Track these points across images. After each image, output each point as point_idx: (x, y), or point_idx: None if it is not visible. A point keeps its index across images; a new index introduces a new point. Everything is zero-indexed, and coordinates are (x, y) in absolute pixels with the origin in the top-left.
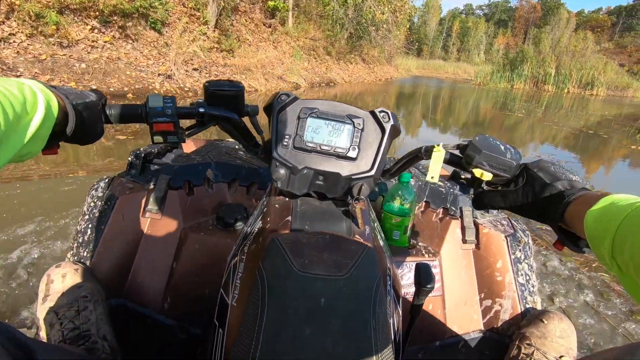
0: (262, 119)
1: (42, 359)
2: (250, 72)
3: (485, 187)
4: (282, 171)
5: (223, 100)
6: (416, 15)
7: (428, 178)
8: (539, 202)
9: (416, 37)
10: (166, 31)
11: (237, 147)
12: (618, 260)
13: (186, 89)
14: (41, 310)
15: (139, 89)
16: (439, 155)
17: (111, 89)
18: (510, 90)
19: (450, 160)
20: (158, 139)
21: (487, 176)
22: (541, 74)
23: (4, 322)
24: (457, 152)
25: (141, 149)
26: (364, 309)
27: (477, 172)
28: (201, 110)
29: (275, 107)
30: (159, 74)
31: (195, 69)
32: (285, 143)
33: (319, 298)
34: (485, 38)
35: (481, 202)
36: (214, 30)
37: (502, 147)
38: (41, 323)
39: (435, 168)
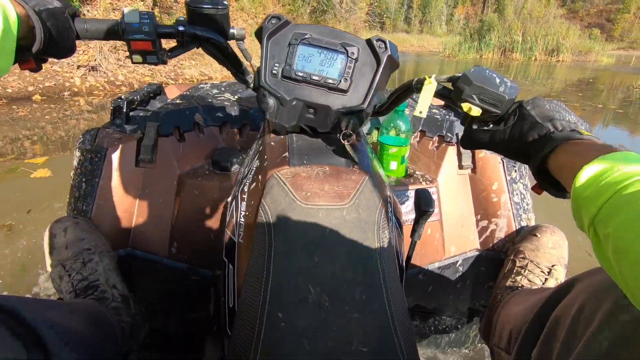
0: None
1: (26, 313)
2: (200, 57)
3: (474, 126)
4: (271, 101)
5: (205, 20)
6: None
7: (416, 113)
8: (523, 143)
9: (378, 11)
10: (88, 10)
11: (223, 88)
12: (599, 229)
13: (118, 82)
14: (49, 264)
15: (49, 88)
16: (429, 87)
17: (8, 90)
18: (479, 61)
19: (440, 93)
20: (137, 58)
21: (476, 111)
22: (508, 42)
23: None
24: (449, 84)
25: (122, 96)
26: (369, 235)
27: (466, 106)
28: (181, 29)
29: (265, 30)
30: (79, 66)
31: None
32: (274, 72)
33: (324, 227)
34: (445, 9)
35: (468, 141)
36: (153, 8)
37: (497, 80)
38: (53, 276)
39: (425, 102)
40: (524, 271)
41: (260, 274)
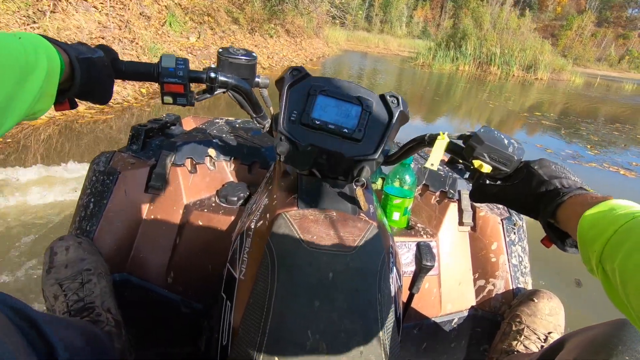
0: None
1: (48, 330)
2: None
3: (482, 181)
4: (287, 145)
5: (236, 69)
6: None
7: (427, 165)
8: (533, 197)
9: (339, 5)
10: None
11: (237, 125)
12: (606, 266)
13: None
14: (45, 282)
15: None
16: (442, 143)
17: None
18: (456, 73)
19: (451, 149)
20: (168, 99)
21: (487, 168)
22: (484, 53)
23: (8, 294)
24: (459, 142)
25: (141, 124)
26: (371, 285)
27: (477, 163)
28: (212, 75)
29: (287, 81)
30: None
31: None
32: (292, 118)
33: (327, 272)
34: (406, 10)
35: (478, 195)
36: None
37: (506, 141)
38: (47, 294)
39: (437, 155)
40: (520, 336)
41: (260, 313)
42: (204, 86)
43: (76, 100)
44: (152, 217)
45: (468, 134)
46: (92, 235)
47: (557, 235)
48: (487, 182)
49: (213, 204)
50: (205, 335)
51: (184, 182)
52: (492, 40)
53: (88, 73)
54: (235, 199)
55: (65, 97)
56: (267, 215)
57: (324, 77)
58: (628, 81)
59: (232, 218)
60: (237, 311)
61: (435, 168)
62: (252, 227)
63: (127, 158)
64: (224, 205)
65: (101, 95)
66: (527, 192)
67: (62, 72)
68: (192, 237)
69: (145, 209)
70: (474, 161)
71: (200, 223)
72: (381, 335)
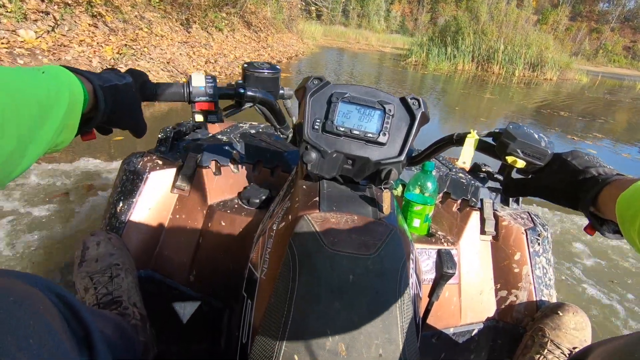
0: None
1: (87, 317)
2: None
3: (514, 176)
4: (313, 154)
5: (261, 82)
6: None
7: (459, 163)
8: (571, 187)
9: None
10: None
11: (260, 129)
12: None
13: None
14: (77, 275)
15: None
16: (472, 141)
17: None
18: (454, 74)
19: (482, 147)
20: (199, 117)
21: (521, 163)
22: (483, 49)
23: (53, 282)
24: (489, 139)
25: (170, 126)
26: (391, 288)
27: (510, 159)
28: (241, 91)
29: (307, 90)
30: None
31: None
32: (316, 127)
33: (347, 275)
34: (384, 4)
35: (512, 190)
36: None
37: (536, 136)
38: (78, 286)
39: (468, 153)
40: (543, 350)
41: (281, 312)
42: (231, 101)
43: (111, 128)
44: (177, 216)
45: (498, 130)
46: (121, 232)
47: (599, 222)
48: (518, 177)
49: (236, 206)
50: (225, 333)
51: (208, 183)
52: (492, 34)
53: (113, 101)
54: (258, 201)
55: (90, 127)
56: (289, 217)
57: (345, 84)
58: (631, 79)
59: (254, 219)
60: (257, 310)
61: (467, 166)
62: (274, 228)
63: (155, 159)
64: (246, 207)
65: (131, 123)
66: (563, 182)
67: (85, 102)
68: (214, 237)
69: (171, 208)
70: (507, 157)
71: (223, 223)
72: (400, 339)
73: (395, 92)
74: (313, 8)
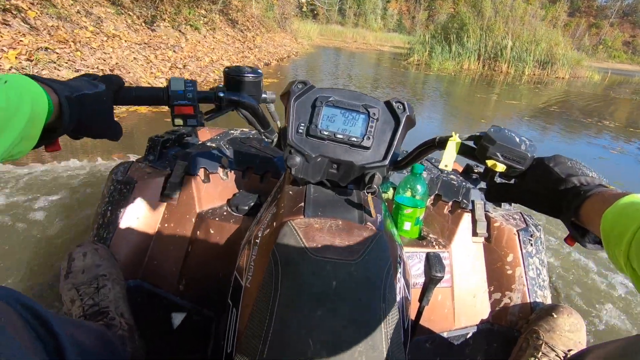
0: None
1: (57, 327)
2: None
3: (497, 180)
4: (297, 158)
5: (242, 86)
6: None
7: (441, 166)
8: (552, 196)
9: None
10: None
11: (250, 136)
12: (634, 264)
13: None
14: (63, 287)
15: None
16: (454, 144)
17: None
18: (460, 73)
19: (463, 151)
20: (179, 121)
21: (501, 167)
22: (489, 46)
23: (19, 291)
24: (470, 143)
25: (158, 135)
26: (375, 294)
27: (490, 162)
28: (221, 94)
29: (292, 95)
30: None
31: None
32: (300, 131)
33: (330, 281)
34: (380, 3)
35: (493, 195)
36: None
37: (517, 139)
38: (64, 298)
39: (450, 156)
40: (538, 353)
41: (263, 320)
42: (212, 106)
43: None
44: (166, 225)
45: (479, 134)
46: (109, 242)
47: (580, 232)
48: (500, 181)
49: (224, 213)
50: (213, 343)
51: (197, 191)
52: (499, 30)
53: (80, 112)
54: (246, 207)
55: (54, 137)
56: (274, 224)
57: (329, 87)
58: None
59: (242, 226)
60: (242, 319)
61: (449, 169)
62: (259, 235)
63: (143, 168)
64: (235, 214)
65: (101, 132)
66: (545, 190)
67: (50, 113)
68: (203, 245)
69: (159, 217)
70: (487, 161)
71: (212, 231)
72: (384, 346)
73: (401, 98)
74: (304, 2)
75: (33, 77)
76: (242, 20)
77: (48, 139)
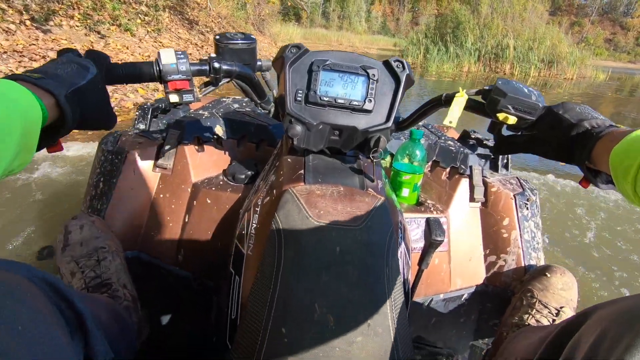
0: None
1: (78, 303)
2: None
3: (504, 133)
4: (299, 128)
5: (236, 55)
6: None
7: (446, 122)
8: (565, 142)
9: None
10: None
11: (244, 104)
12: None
13: None
14: (61, 260)
15: None
16: (461, 100)
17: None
18: (460, 77)
19: (471, 106)
20: (174, 97)
21: (512, 120)
22: (489, 46)
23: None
24: (479, 97)
25: (148, 103)
26: (378, 258)
27: (502, 116)
28: (216, 65)
29: (286, 60)
30: None
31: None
32: (298, 98)
33: (334, 246)
34: (364, 5)
35: (504, 147)
36: None
37: (526, 90)
38: (63, 271)
39: (456, 112)
40: (532, 310)
41: (267, 287)
42: (206, 78)
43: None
44: (161, 195)
45: (487, 88)
46: (103, 214)
47: (592, 174)
48: (509, 133)
49: (221, 182)
50: (215, 310)
51: (191, 160)
52: (497, 28)
53: (80, 107)
54: (243, 176)
55: (56, 139)
56: (274, 192)
57: (324, 50)
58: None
59: (240, 195)
60: (245, 286)
61: (454, 125)
62: (259, 203)
63: (134, 137)
64: (231, 183)
65: (101, 122)
66: (557, 137)
67: (45, 119)
68: (200, 215)
69: (154, 187)
70: (498, 115)
71: (209, 201)
72: (389, 309)
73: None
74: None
75: (19, 77)
76: (205, 20)
77: (48, 140)
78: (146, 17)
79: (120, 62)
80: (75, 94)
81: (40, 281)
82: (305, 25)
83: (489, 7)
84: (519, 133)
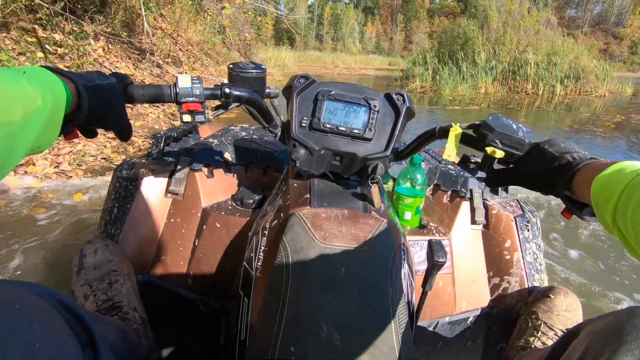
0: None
1: (91, 324)
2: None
3: (495, 166)
4: (302, 151)
5: (247, 82)
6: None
7: (445, 156)
8: (548, 174)
9: (285, 28)
10: None
11: (251, 131)
12: (620, 225)
13: None
14: (75, 283)
15: None
16: (455, 134)
17: None
18: (477, 98)
19: (463, 139)
20: (187, 117)
21: (499, 154)
22: (505, 63)
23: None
24: (470, 131)
25: (161, 132)
26: (382, 278)
27: (490, 149)
28: (227, 90)
29: (294, 89)
30: None
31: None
32: (303, 124)
33: (339, 267)
34: (357, 26)
35: (493, 180)
36: None
37: (514, 126)
38: (77, 294)
39: (452, 146)
40: (537, 332)
41: (276, 307)
42: (218, 102)
43: (95, 130)
44: (172, 220)
45: (478, 123)
46: (117, 238)
47: (576, 206)
48: (499, 167)
49: (229, 207)
50: (224, 332)
51: (202, 186)
52: (511, 42)
53: (96, 101)
54: (251, 201)
55: (72, 126)
56: (281, 215)
57: (330, 82)
58: None
59: (248, 220)
60: (254, 307)
61: (453, 159)
62: (267, 226)
63: (147, 165)
64: (240, 208)
65: (115, 124)
66: (541, 169)
67: (68, 103)
68: (210, 239)
69: (165, 212)
70: (487, 148)
71: (218, 225)
72: (393, 328)
73: (401, 90)
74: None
75: (48, 67)
76: (172, 49)
77: (66, 128)
78: (59, 49)
79: None
80: (93, 88)
81: (57, 303)
82: (299, 48)
83: (498, 20)
84: (509, 167)
